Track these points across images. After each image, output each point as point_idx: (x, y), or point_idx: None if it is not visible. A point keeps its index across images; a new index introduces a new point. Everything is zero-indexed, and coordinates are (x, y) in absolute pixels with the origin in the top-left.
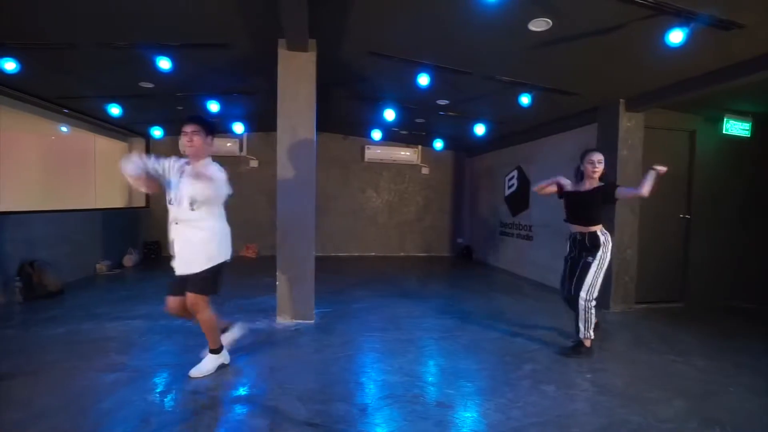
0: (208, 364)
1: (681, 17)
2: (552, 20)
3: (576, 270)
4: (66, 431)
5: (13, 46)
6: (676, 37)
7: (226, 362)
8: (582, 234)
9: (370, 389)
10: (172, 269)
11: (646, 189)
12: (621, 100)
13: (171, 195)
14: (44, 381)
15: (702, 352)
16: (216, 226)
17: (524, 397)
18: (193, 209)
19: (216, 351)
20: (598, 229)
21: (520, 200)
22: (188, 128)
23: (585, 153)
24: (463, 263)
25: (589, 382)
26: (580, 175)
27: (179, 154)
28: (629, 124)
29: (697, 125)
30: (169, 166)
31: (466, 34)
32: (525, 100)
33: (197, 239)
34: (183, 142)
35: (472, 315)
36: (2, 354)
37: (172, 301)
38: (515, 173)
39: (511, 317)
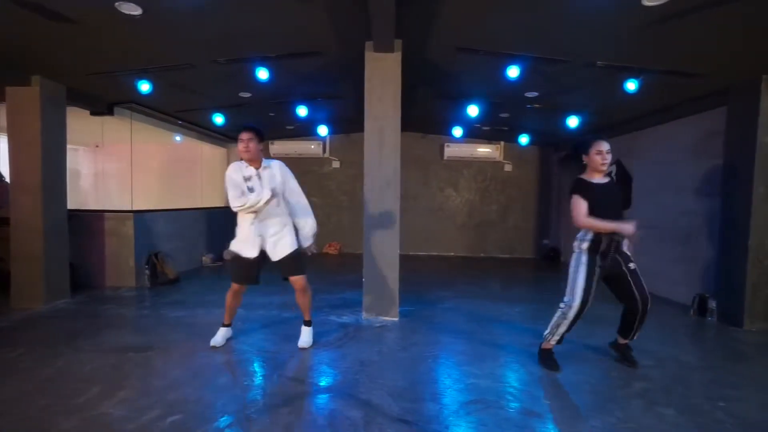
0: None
1: None
2: None
3: (629, 283)
4: (194, 401)
5: (148, 70)
6: None
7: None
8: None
9: (461, 392)
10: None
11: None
12: (763, 76)
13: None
14: (173, 356)
15: None
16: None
17: (637, 419)
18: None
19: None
20: None
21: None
22: (244, 136)
23: (590, 141)
24: (549, 266)
25: (722, 411)
26: (580, 168)
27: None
28: None
29: None
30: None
31: (565, 19)
32: (631, 86)
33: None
34: (239, 148)
35: None
36: (142, 330)
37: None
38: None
39: (614, 328)
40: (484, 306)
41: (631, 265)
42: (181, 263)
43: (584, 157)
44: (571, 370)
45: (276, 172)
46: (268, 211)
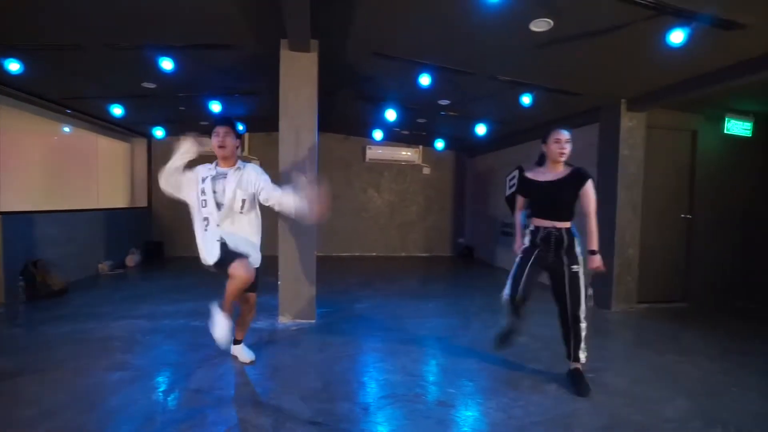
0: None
1: (682, 17)
2: (553, 20)
3: (564, 284)
4: (74, 429)
5: (18, 47)
6: (677, 37)
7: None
8: (558, 230)
9: (373, 388)
10: (174, 270)
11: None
12: (622, 99)
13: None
14: (52, 379)
15: (705, 352)
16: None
17: (526, 397)
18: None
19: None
20: (572, 225)
21: None
22: (220, 129)
23: (550, 131)
24: (464, 263)
25: (591, 381)
26: (541, 159)
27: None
28: (630, 124)
29: (699, 125)
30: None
31: (468, 34)
32: (526, 100)
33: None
34: (213, 143)
35: (474, 315)
36: (10, 352)
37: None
38: (516, 173)
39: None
40: (401, 303)
41: (574, 268)
42: (72, 272)
43: (543, 147)
44: (474, 359)
45: (249, 173)
46: (232, 218)
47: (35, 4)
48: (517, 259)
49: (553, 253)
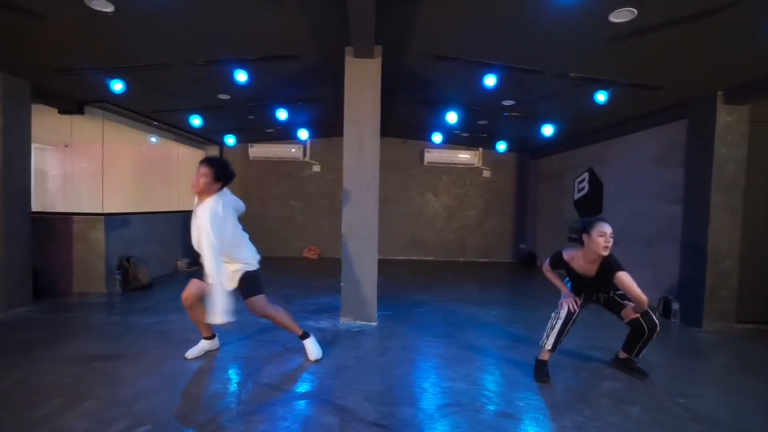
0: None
1: None
2: (638, 9)
3: (620, 304)
4: (164, 410)
5: (120, 69)
6: None
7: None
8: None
9: (436, 395)
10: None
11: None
12: (718, 92)
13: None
14: (142, 364)
15: None
16: None
17: (604, 417)
18: None
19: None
20: None
21: (591, 204)
22: (201, 169)
23: (593, 223)
24: (526, 270)
25: (681, 407)
26: (579, 242)
27: (249, 161)
28: (729, 119)
29: None
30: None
31: (538, 31)
32: (601, 97)
33: None
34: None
35: (539, 325)
36: (110, 338)
37: None
38: (586, 176)
39: (585, 331)
40: (462, 309)
41: (626, 303)
42: (155, 268)
43: (584, 236)
44: None
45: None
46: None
47: (130, 30)
48: (563, 315)
49: (594, 296)
